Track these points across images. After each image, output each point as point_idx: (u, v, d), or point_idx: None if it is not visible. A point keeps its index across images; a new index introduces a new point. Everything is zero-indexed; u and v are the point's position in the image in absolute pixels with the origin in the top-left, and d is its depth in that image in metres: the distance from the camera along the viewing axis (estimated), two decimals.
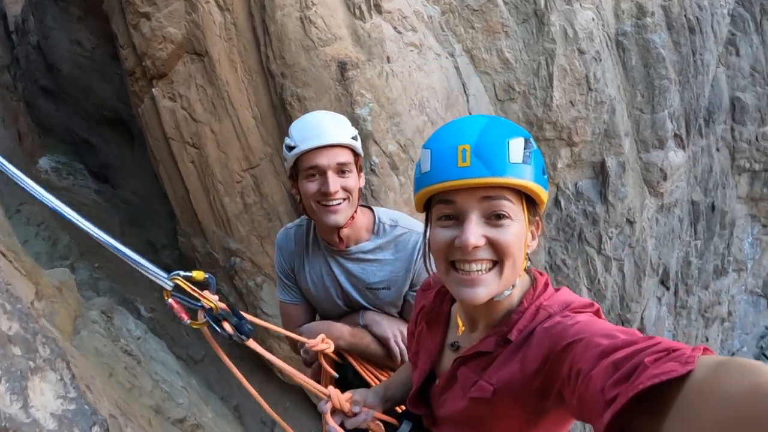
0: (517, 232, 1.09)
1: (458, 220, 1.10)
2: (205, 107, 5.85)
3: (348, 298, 2.13)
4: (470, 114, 6.45)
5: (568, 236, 8.41)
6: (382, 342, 2.08)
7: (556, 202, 8.16)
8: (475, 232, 1.06)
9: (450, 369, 1.28)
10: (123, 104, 9.13)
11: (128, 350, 10.09)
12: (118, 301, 10.82)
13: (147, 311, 12.50)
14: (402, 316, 2.14)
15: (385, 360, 2.13)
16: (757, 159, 11.39)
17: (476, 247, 1.07)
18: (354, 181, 1.92)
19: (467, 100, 6.44)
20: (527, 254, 1.16)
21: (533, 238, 1.19)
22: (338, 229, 1.95)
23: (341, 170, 1.88)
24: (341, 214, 1.90)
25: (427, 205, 1.21)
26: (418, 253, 1.98)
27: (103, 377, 8.31)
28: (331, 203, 1.87)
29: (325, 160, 1.84)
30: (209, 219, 7.04)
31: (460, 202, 1.09)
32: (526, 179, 1.06)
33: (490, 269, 1.10)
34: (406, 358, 2.01)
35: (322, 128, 1.85)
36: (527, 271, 1.22)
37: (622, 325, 9.90)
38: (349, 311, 2.18)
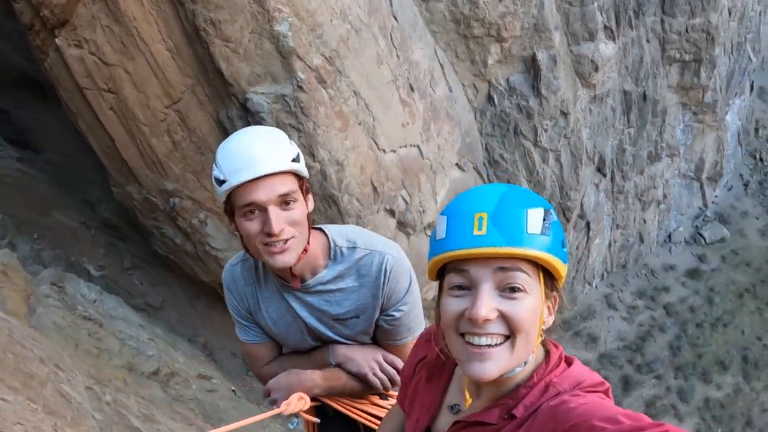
0: (532, 306, 1.04)
1: (471, 290, 1.04)
2: (115, 48, 5.51)
3: (315, 333, 1.93)
4: (395, 18, 6.27)
5: (503, 131, 8.55)
6: (360, 377, 1.93)
7: (489, 99, 8.23)
8: (487, 304, 1.01)
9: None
10: (28, 61, 8.55)
11: (87, 315, 9.94)
12: (65, 267, 10.51)
13: (96, 270, 12.21)
14: (375, 341, 1.98)
15: (365, 392, 1.98)
16: (687, 50, 11.62)
17: (487, 320, 1.01)
18: (301, 211, 1.65)
19: (390, 3, 6.24)
20: (542, 330, 1.10)
21: (550, 313, 1.12)
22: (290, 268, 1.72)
23: (284, 202, 1.59)
24: (290, 253, 1.65)
25: (440, 274, 1.14)
26: (385, 276, 1.78)
27: (70, 351, 8.20)
28: (277, 244, 1.61)
29: (263, 194, 1.55)
30: (140, 164, 6.79)
31: (473, 272, 1.03)
32: (544, 251, 1.01)
33: (501, 343, 1.04)
34: (388, 384, 1.93)
35: (253, 155, 1.53)
36: (542, 343, 1.15)
37: (563, 213, 10.43)
38: (319, 344, 1.99)
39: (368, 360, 1.90)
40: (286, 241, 1.61)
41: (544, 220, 1.02)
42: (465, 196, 1.10)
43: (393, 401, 1.94)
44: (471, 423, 1.16)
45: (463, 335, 1.06)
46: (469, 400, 1.20)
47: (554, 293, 1.11)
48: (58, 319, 8.14)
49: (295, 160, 1.63)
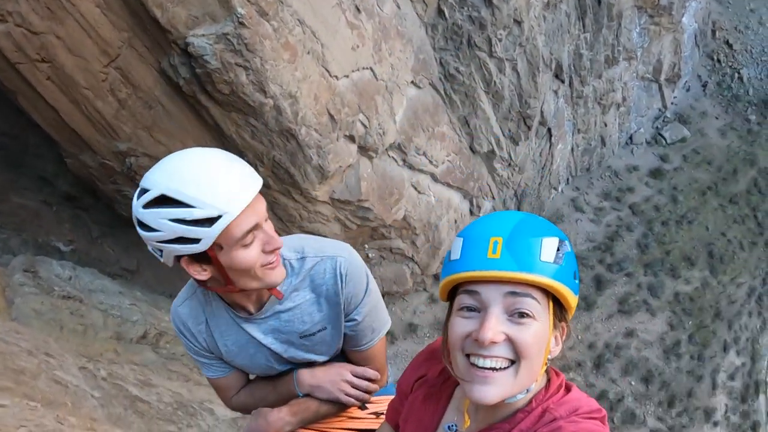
0: (539, 333, 1.04)
1: (480, 312, 1.05)
2: (42, 15, 5.20)
3: (281, 357, 1.82)
4: None
5: (457, 44, 8.40)
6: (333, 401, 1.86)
7: (440, 12, 8.02)
8: (495, 327, 1.01)
9: None
10: None
11: (66, 294, 9.83)
12: (34, 250, 10.29)
13: (66, 245, 12.02)
14: (344, 350, 1.89)
15: (341, 410, 1.91)
16: None
17: (494, 343, 1.01)
18: (271, 225, 1.54)
19: None
20: (548, 359, 1.10)
21: (557, 343, 1.12)
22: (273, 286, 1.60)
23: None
24: (281, 265, 1.57)
25: (451, 294, 1.15)
26: (342, 280, 1.67)
27: (56, 335, 8.15)
28: (274, 259, 1.51)
29: (259, 212, 1.43)
30: (89, 130, 6.58)
31: (484, 295, 1.04)
32: (555, 280, 1.02)
33: (506, 368, 1.04)
34: (365, 397, 1.87)
35: (238, 176, 1.38)
36: (546, 371, 1.15)
37: (524, 121, 10.46)
38: (287, 368, 1.88)
39: (336, 383, 1.82)
40: (275, 258, 1.53)
41: (558, 249, 1.03)
42: (482, 220, 1.11)
43: (376, 408, 1.94)
44: None
45: (468, 356, 1.06)
46: (468, 422, 1.20)
47: (563, 323, 1.12)
48: (38, 305, 8.06)
49: None
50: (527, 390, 1.09)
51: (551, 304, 1.06)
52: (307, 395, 1.83)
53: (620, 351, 23.21)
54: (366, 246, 19.07)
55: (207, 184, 1.31)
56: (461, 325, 1.07)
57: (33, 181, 9.69)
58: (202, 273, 1.48)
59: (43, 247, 9.09)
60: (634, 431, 21.81)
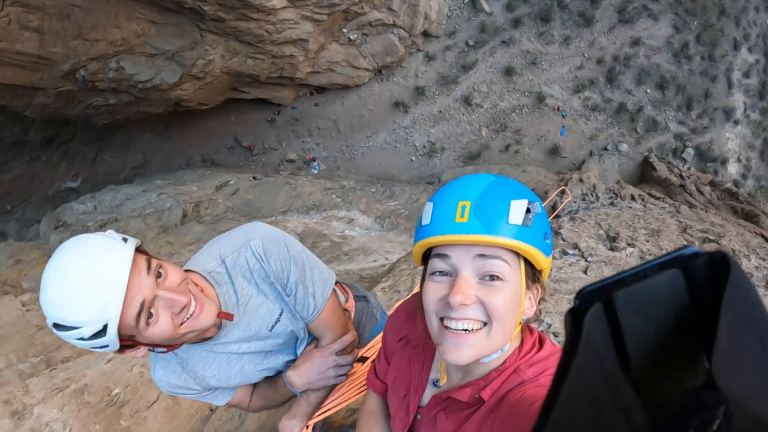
0: (510, 295, 1.04)
1: (451, 276, 1.07)
2: None
3: (265, 360, 1.81)
4: None
5: None
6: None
7: None
8: (465, 290, 1.02)
9: (429, 407, 1.28)
10: None
11: (100, 223, 10.55)
12: (52, 206, 10.67)
13: (74, 181, 12.50)
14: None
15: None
16: None
17: (465, 306, 1.03)
18: (172, 277, 1.41)
19: None
20: (521, 320, 1.10)
21: (531, 304, 1.12)
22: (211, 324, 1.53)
23: (156, 275, 1.37)
24: (206, 312, 1.46)
25: (425, 259, 1.17)
26: (262, 260, 1.61)
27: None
28: (192, 311, 1.43)
29: (142, 293, 1.32)
30: (25, 75, 7.08)
31: (454, 258, 1.06)
32: (523, 242, 1.02)
33: (478, 329, 1.04)
34: (353, 363, 1.90)
35: (98, 282, 1.25)
36: (521, 330, 1.16)
37: None
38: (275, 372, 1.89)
39: (324, 373, 1.83)
40: (194, 310, 1.44)
41: (527, 211, 1.03)
42: (452, 184, 1.12)
43: (372, 354, 1.97)
44: (445, 399, 1.21)
45: (442, 320, 1.07)
46: (444, 378, 1.24)
47: (536, 284, 1.12)
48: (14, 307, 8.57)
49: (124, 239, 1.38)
50: (501, 350, 1.11)
51: (523, 265, 1.07)
52: (305, 393, 1.88)
53: (629, 61, 22.74)
54: (345, 31, 18.51)
55: (78, 305, 1.25)
56: (434, 289, 1.08)
57: (10, 150, 9.86)
58: (140, 351, 1.47)
59: (58, 197, 9.53)
60: (659, 138, 22.42)
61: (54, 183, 10.32)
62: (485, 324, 1.05)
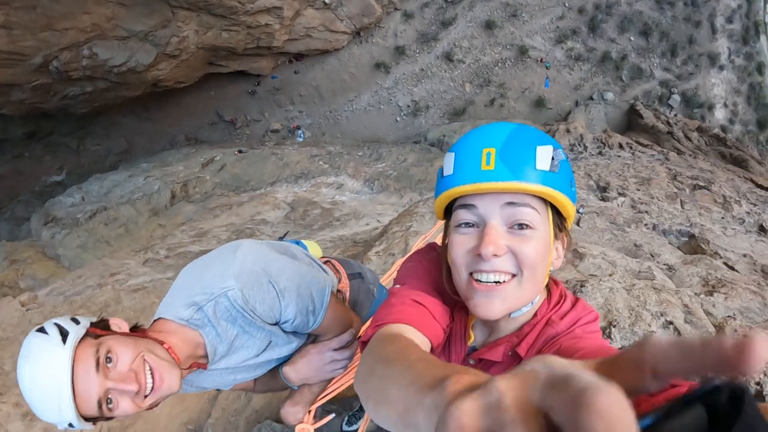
0: (540, 244, 1.00)
1: (479, 227, 1.01)
2: None
3: (258, 369, 1.74)
4: None
5: None
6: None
7: None
8: (496, 240, 0.97)
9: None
10: None
11: (89, 214, 10.48)
12: (40, 201, 10.56)
13: (59, 174, 12.38)
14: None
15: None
16: None
17: (496, 256, 0.97)
18: (124, 357, 1.31)
19: None
20: (550, 270, 1.07)
21: (558, 255, 1.08)
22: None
23: (108, 359, 1.29)
24: (168, 377, 1.36)
25: (447, 212, 1.11)
26: (246, 307, 1.47)
27: (109, 250, 8.80)
28: (149, 388, 1.34)
29: (94, 389, 1.27)
30: None
31: (481, 208, 1.00)
32: (553, 188, 0.98)
33: (509, 281, 1.00)
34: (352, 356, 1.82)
35: (50, 387, 1.23)
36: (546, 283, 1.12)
37: None
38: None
39: (321, 369, 1.77)
40: (150, 382, 1.34)
41: (553, 158, 1.00)
42: (473, 133, 1.07)
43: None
44: (478, 360, 1.15)
45: (470, 273, 1.02)
46: (472, 337, 1.17)
47: (563, 233, 1.08)
48: (77, 241, 8.76)
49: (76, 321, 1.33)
50: (531, 303, 1.07)
51: (550, 213, 1.03)
52: (301, 387, 1.84)
53: (611, 9, 22.40)
54: None
55: (39, 410, 1.26)
56: (461, 241, 1.03)
57: None
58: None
59: (45, 192, 9.52)
60: (645, 85, 22.20)
61: (40, 177, 10.26)
62: (514, 276, 1.00)
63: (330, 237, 9.06)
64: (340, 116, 21.89)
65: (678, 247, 4.85)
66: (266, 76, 20.91)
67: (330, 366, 1.78)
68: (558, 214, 1.04)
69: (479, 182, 0.98)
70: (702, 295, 3.32)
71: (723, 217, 5.61)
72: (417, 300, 1.11)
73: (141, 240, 9.02)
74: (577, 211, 5.44)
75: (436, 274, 1.20)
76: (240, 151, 15.80)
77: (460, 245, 1.01)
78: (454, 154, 1.05)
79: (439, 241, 1.15)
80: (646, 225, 5.13)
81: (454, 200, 1.05)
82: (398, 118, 22.08)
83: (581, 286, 3.33)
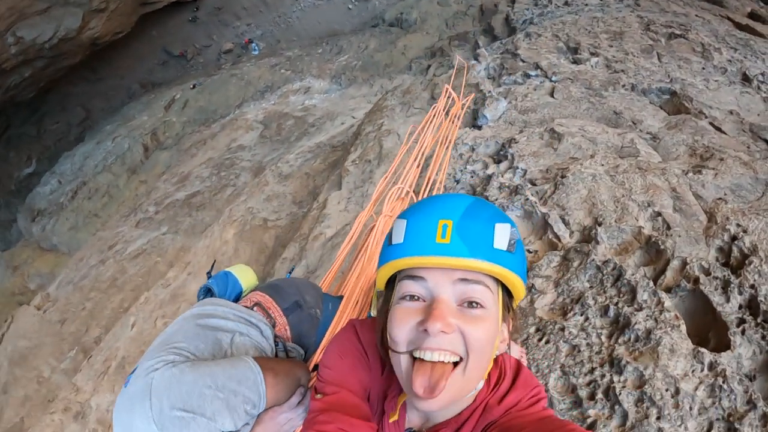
0: (491, 326, 0.94)
1: (425, 302, 0.94)
2: None
3: None
4: None
5: None
6: None
7: None
8: (446, 316, 0.90)
9: None
10: None
11: (71, 194, 10.35)
12: (20, 203, 10.42)
13: (29, 166, 12.19)
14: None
15: None
16: None
17: (444, 333, 0.90)
18: None
19: None
20: (494, 354, 1.00)
21: (503, 338, 1.02)
22: None
23: None
24: None
25: (389, 283, 1.04)
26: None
27: (101, 223, 8.83)
28: None
29: None
30: None
31: (431, 282, 0.93)
32: (510, 269, 0.94)
33: (454, 366, 0.93)
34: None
35: None
36: None
37: None
38: None
39: (280, 429, 1.63)
40: None
41: (510, 237, 0.96)
42: (428, 201, 1.02)
43: None
44: None
45: (411, 351, 0.95)
46: (395, 416, 1.09)
47: (510, 314, 1.04)
48: (67, 223, 8.80)
49: None
50: (476, 389, 1.02)
51: (501, 292, 0.98)
52: None
53: None
54: None
55: None
56: (405, 314, 0.95)
57: None
58: None
59: (22, 187, 9.52)
60: None
61: (12, 175, 10.19)
62: (458, 362, 0.93)
63: (308, 147, 9.02)
64: (291, 18, 20.81)
65: (660, 106, 4.64)
66: None
67: (287, 426, 1.66)
68: (508, 294, 1.00)
69: (434, 255, 0.92)
70: (690, 174, 3.15)
71: (704, 68, 5.31)
72: (343, 429, 1.01)
73: (127, 202, 9.08)
74: (550, 80, 5.26)
75: (360, 371, 1.14)
76: (194, 86, 15.30)
77: (404, 319, 0.94)
78: (405, 221, 0.98)
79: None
80: (623, 86, 4.91)
81: (400, 269, 0.98)
82: (350, 6, 20.91)
83: (562, 176, 3.18)
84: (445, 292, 0.92)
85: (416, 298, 0.94)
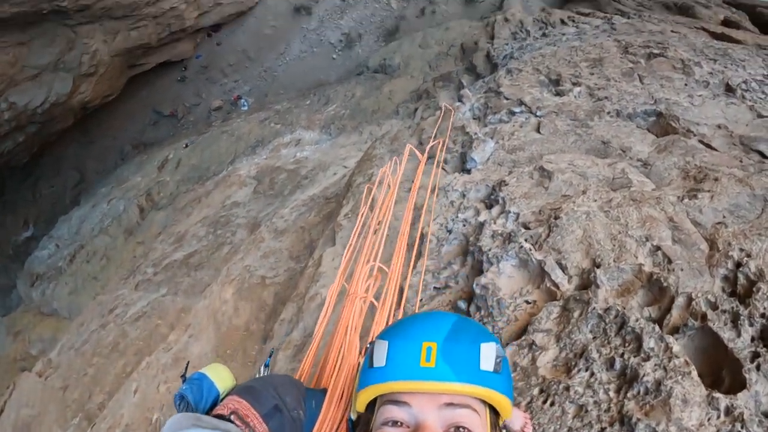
0: None
1: (409, 428, 0.90)
2: None
3: None
4: None
5: None
6: None
7: None
8: None
9: None
10: None
11: (69, 258, 10.29)
12: (17, 272, 10.35)
13: (27, 230, 12.20)
14: None
15: None
16: None
17: None
18: None
19: None
20: None
21: None
22: None
23: None
24: None
25: (370, 406, 0.99)
26: None
27: (101, 285, 8.78)
28: None
29: None
30: None
31: (416, 407, 0.90)
32: (497, 390, 0.91)
33: None
34: None
35: None
36: None
37: None
38: None
39: None
40: None
41: (496, 355, 0.93)
42: (410, 321, 0.99)
43: None
44: None
45: None
46: None
47: None
48: (66, 289, 8.54)
49: None
50: None
51: (488, 414, 0.95)
52: None
53: None
54: None
55: None
56: None
57: None
58: None
59: (20, 252, 9.59)
60: None
61: (9, 239, 10.27)
62: None
63: (302, 200, 9.17)
64: (276, 72, 21.40)
65: (647, 129, 4.61)
66: (190, 58, 20.31)
67: None
68: (494, 412, 0.96)
69: (418, 380, 0.88)
70: (686, 200, 3.03)
71: (686, 84, 5.31)
72: None
73: (125, 264, 9.11)
74: (535, 115, 5.26)
75: None
76: (187, 145, 15.59)
77: None
78: (387, 343, 0.94)
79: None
80: (609, 113, 4.87)
81: (381, 394, 0.94)
82: (334, 56, 21.58)
83: (555, 217, 3.09)
84: (430, 418, 0.88)
85: (399, 424, 0.90)
